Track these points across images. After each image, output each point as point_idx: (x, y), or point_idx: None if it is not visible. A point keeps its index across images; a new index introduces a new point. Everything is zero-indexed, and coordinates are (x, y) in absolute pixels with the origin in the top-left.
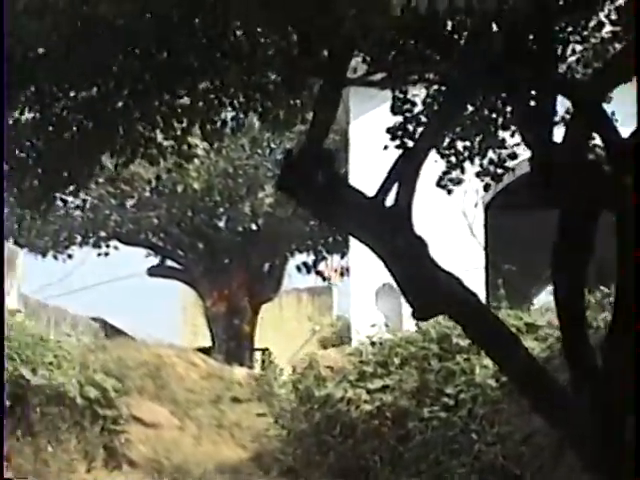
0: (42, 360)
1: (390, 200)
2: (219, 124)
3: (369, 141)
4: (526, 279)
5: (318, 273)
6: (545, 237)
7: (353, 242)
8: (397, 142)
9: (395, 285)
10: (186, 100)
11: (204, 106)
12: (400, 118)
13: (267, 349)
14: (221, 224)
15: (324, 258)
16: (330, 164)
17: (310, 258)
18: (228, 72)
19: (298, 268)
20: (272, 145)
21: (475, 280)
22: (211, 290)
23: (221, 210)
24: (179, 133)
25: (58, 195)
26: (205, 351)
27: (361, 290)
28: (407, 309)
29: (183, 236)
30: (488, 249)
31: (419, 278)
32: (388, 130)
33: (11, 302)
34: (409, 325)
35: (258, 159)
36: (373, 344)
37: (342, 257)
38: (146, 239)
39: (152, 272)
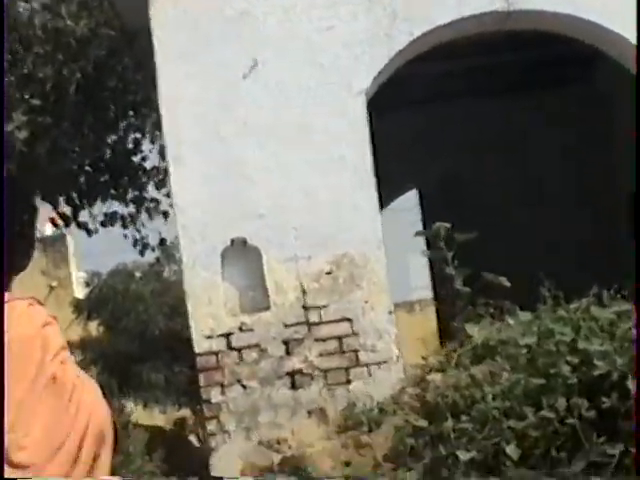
0: None
1: None
2: None
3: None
4: None
5: (52, 221)
6: None
7: (176, 176)
8: None
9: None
10: None
11: None
12: None
13: None
14: None
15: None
16: None
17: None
18: None
19: (53, 221)
20: None
21: None
22: None
23: None
24: None
25: None
26: None
27: (194, 249)
28: (277, 276)
29: None
30: None
31: None
32: None
33: None
34: (280, 299)
35: None
36: None
37: (104, 201)
38: None
39: None
